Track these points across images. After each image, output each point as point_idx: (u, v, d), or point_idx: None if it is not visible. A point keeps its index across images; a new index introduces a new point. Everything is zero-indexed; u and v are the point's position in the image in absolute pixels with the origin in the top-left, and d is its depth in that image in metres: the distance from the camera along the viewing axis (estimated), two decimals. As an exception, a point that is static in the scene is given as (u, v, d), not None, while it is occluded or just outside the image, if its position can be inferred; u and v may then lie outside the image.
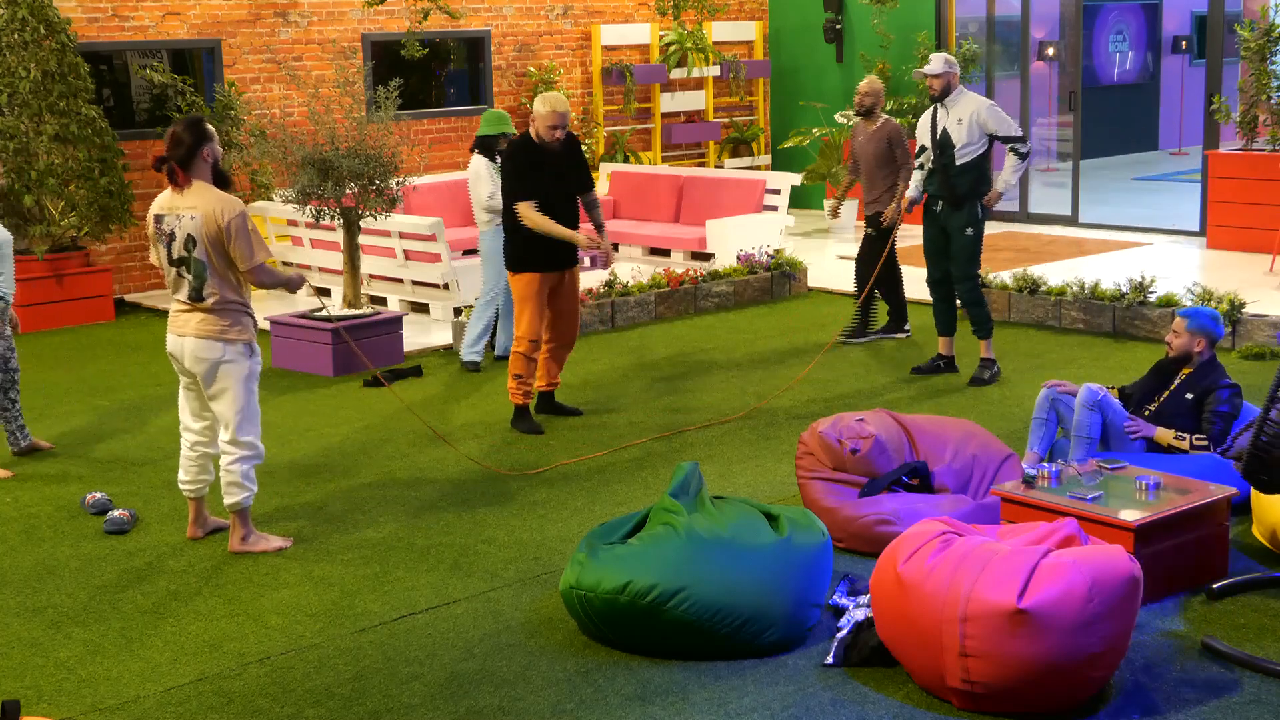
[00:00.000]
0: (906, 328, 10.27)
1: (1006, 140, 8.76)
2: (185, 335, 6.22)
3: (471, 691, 4.95)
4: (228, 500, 6.31)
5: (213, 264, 6.13)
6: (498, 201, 9.28)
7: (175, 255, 6.16)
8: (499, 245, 9.24)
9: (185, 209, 6.13)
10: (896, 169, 9.87)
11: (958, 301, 9.10)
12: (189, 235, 6.11)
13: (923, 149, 9.04)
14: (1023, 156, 8.77)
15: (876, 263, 9.92)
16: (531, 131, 7.97)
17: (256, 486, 6.38)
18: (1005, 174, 8.82)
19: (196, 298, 6.17)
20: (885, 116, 10.02)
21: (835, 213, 10.60)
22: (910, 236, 13.71)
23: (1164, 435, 6.58)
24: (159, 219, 6.21)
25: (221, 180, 6.25)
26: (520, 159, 7.94)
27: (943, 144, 8.79)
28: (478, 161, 9.50)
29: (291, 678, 5.10)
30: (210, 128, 6.25)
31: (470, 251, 12.83)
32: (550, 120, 7.85)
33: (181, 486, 6.52)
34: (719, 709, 4.76)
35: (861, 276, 10.15)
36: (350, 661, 5.22)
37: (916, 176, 9.21)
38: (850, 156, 10.21)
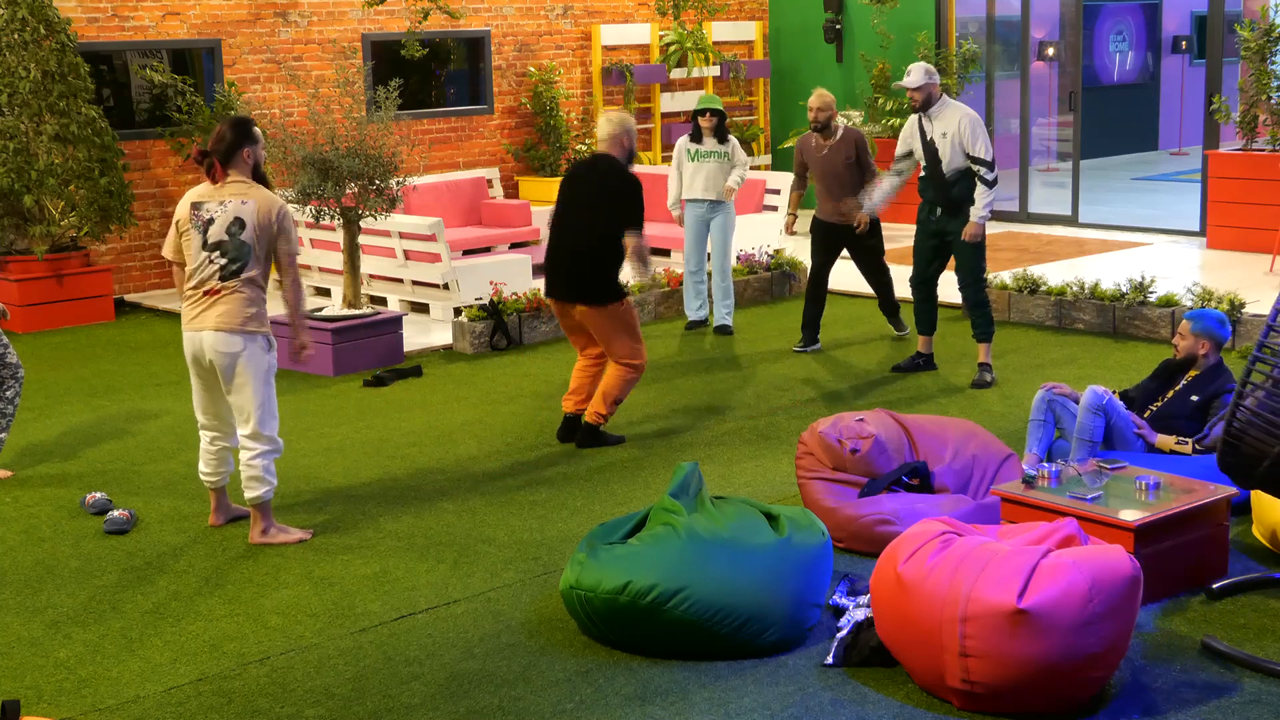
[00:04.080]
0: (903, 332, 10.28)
1: (973, 160, 8.66)
2: (204, 329, 6.27)
3: (471, 691, 4.95)
4: (248, 494, 6.38)
5: (255, 250, 6.26)
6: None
7: (212, 239, 6.23)
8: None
9: (231, 196, 6.25)
10: (864, 176, 9.84)
11: (958, 303, 9.11)
12: (237, 218, 6.22)
13: (905, 155, 9.02)
14: (989, 184, 8.67)
15: (881, 268, 10.06)
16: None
17: (276, 480, 6.47)
18: (977, 207, 8.69)
19: (227, 276, 6.23)
20: (843, 126, 9.92)
21: (792, 229, 10.54)
22: (895, 238, 13.69)
23: (1165, 442, 6.57)
24: (196, 206, 6.30)
25: (261, 183, 6.38)
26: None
27: (933, 153, 8.77)
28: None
29: (291, 678, 5.10)
30: (257, 131, 6.36)
31: (470, 251, 12.84)
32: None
33: (202, 478, 6.63)
34: (719, 709, 4.76)
35: (883, 286, 10.17)
36: (350, 661, 5.22)
37: (888, 182, 9.21)
38: (799, 170, 10.07)
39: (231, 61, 13.20)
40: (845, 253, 10.11)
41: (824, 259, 10.00)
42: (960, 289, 9.02)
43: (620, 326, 7.73)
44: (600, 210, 7.72)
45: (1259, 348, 5.17)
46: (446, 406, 8.81)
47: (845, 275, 11.21)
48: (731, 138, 10.68)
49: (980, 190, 8.67)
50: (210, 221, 6.24)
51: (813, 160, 9.93)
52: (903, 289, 10.23)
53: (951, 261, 9.16)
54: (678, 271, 11.72)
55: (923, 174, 8.91)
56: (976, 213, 8.71)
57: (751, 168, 16.65)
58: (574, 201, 7.82)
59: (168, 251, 6.43)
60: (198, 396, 6.50)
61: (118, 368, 10.18)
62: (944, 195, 8.79)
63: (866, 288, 11.43)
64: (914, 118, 8.94)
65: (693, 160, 10.58)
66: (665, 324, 11.05)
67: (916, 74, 8.74)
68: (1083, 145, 16.28)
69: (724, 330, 10.69)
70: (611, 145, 7.85)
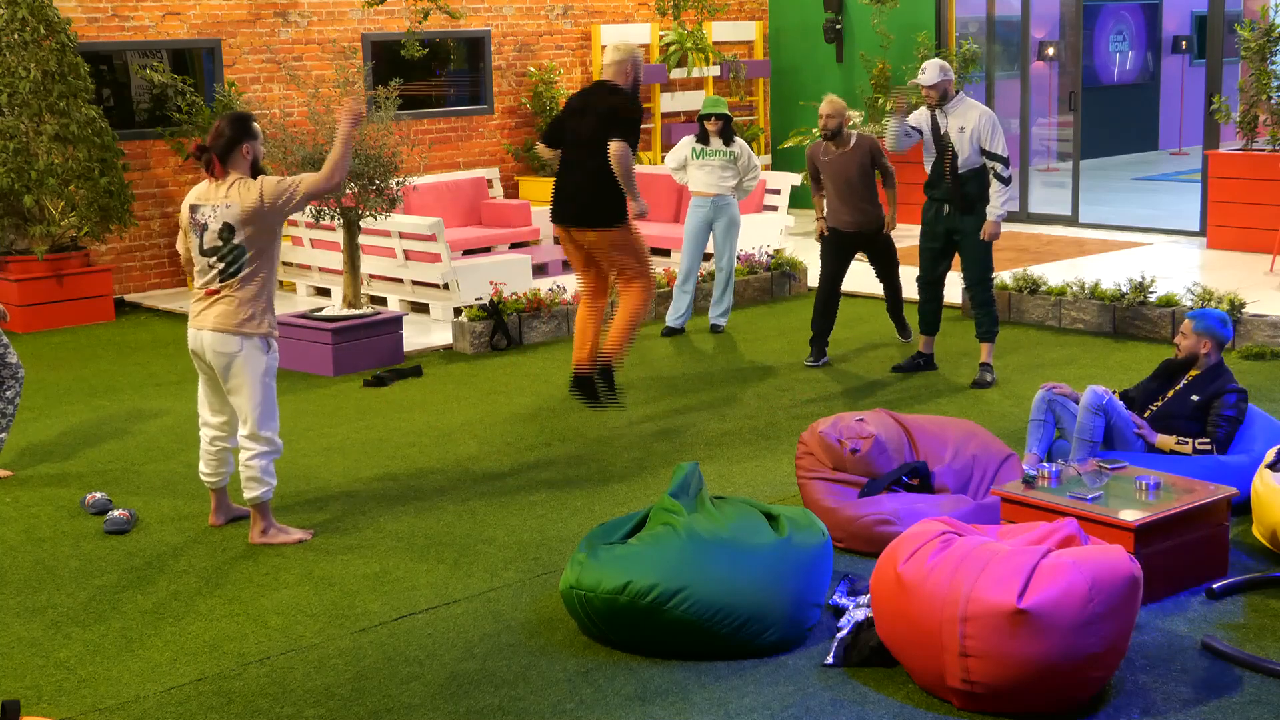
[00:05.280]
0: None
1: (990, 156, 8.64)
2: (204, 329, 6.29)
3: (471, 691, 4.95)
4: (247, 495, 6.38)
5: (251, 250, 6.22)
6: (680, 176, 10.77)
7: (207, 245, 6.24)
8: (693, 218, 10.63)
9: (220, 200, 6.22)
10: (878, 182, 9.62)
11: (955, 303, 9.10)
12: (224, 224, 6.20)
13: (914, 129, 8.94)
14: (1004, 181, 8.65)
15: (895, 272, 9.92)
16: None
17: (276, 480, 6.45)
18: (994, 205, 8.68)
19: (226, 278, 6.22)
20: (855, 133, 9.59)
21: (824, 232, 10.33)
22: (900, 238, 13.70)
23: (1165, 442, 6.57)
24: (194, 209, 6.30)
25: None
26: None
27: (944, 148, 8.75)
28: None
29: (291, 678, 5.10)
30: (257, 126, 6.34)
31: (470, 251, 12.84)
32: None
33: (203, 478, 6.63)
34: (719, 709, 4.76)
35: (895, 291, 10.03)
36: (350, 661, 5.22)
37: (894, 122, 8.99)
38: (813, 177, 9.74)
39: (231, 61, 13.20)
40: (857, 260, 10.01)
41: (836, 267, 9.66)
42: (967, 288, 9.02)
43: (629, 247, 7.77)
44: (604, 134, 7.75)
45: None
46: (446, 406, 8.82)
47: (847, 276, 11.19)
48: (740, 140, 10.65)
49: (996, 187, 8.66)
50: (205, 227, 6.24)
51: (824, 168, 9.58)
52: (909, 288, 10.22)
53: (956, 260, 9.16)
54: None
55: (931, 170, 8.88)
56: (994, 211, 8.70)
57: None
58: (578, 128, 7.81)
59: (179, 247, 6.48)
60: (203, 392, 6.51)
61: (118, 368, 10.18)
62: (956, 192, 8.76)
63: (867, 288, 11.44)
64: (925, 109, 8.92)
65: (697, 158, 10.58)
66: (663, 324, 11.03)
67: (932, 71, 8.71)
68: (1083, 145, 16.28)
69: (715, 330, 10.69)
70: (616, 74, 7.83)
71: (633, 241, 7.85)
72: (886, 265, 9.96)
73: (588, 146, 7.78)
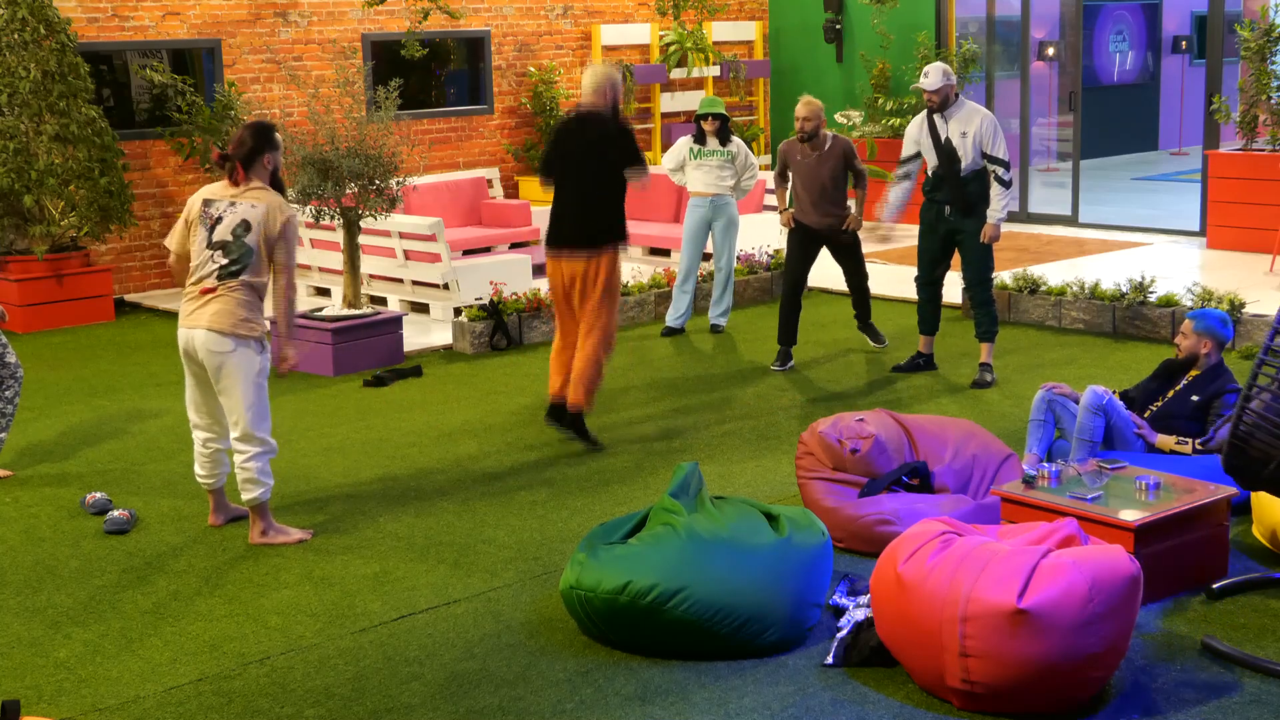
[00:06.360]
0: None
1: (991, 160, 8.64)
2: (197, 327, 6.28)
3: (471, 691, 4.95)
4: (245, 496, 6.38)
5: (259, 253, 6.28)
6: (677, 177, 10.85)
7: (217, 238, 6.27)
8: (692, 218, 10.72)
9: (243, 198, 6.29)
10: (856, 183, 9.57)
11: (948, 301, 9.09)
12: (243, 220, 6.26)
13: (913, 156, 8.97)
14: (1005, 184, 8.65)
15: (863, 271, 9.83)
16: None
17: (273, 480, 6.45)
18: (994, 207, 8.68)
19: (225, 276, 6.25)
20: (831, 135, 9.52)
21: (791, 221, 10.18)
22: (897, 238, 13.69)
23: (1165, 442, 6.57)
24: (208, 203, 6.34)
25: (278, 188, 6.43)
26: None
27: (949, 153, 8.74)
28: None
29: (291, 678, 5.10)
30: (278, 137, 6.44)
31: (470, 251, 12.84)
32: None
33: (199, 480, 6.64)
34: (719, 709, 4.77)
35: (863, 294, 9.92)
36: (350, 661, 5.22)
37: (898, 190, 9.11)
38: (780, 173, 9.74)
39: (231, 61, 13.20)
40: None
41: (801, 265, 9.61)
42: (967, 288, 9.02)
43: (608, 287, 7.74)
44: (597, 164, 7.79)
45: (1265, 350, 5.16)
46: (446, 406, 8.81)
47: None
48: (737, 139, 10.64)
49: (997, 190, 8.66)
50: (218, 220, 6.28)
51: (796, 168, 9.55)
52: (908, 288, 10.21)
53: (956, 261, 9.16)
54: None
55: (932, 174, 8.88)
56: (994, 214, 8.69)
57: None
58: (570, 160, 7.83)
59: (170, 241, 6.47)
60: (190, 393, 6.49)
61: (118, 368, 10.18)
62: (958, 194, 8.76)
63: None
64: (920, 117, 8.90)
65: (695, 159, 10.58)
66: (663, 324, 11.03)
67: (935, 76, 8.70)
68: (1083, 145, 16.28)
69: (715, 330, 10.69)
70: (597, 100, 7.84)
71: (614, 282, 7.80)
72: (852, 263, 9.80)
73: (584, 178, 7.80)
